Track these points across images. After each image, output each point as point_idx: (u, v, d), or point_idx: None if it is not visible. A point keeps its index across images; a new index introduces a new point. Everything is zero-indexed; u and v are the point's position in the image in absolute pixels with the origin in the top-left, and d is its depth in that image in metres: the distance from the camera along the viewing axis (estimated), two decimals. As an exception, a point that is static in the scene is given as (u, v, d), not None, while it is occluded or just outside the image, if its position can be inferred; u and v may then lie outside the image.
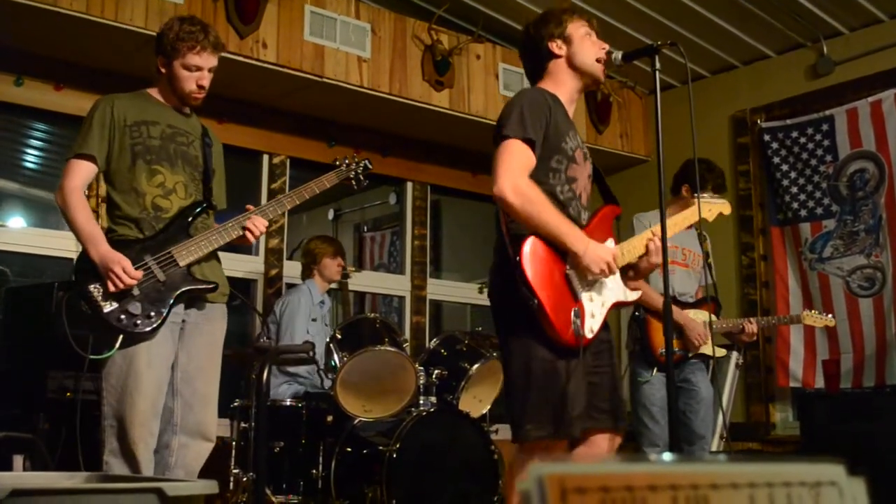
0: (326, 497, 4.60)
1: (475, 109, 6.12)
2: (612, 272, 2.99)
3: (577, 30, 3.18)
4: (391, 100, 5.83)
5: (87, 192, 3.49)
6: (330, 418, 4.79)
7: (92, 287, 3.08)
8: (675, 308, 4.61)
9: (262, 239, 5.97)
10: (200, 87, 3.33)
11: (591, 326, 2.96)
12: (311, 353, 3.93)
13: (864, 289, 5.88)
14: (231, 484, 4.50)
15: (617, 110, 6.99)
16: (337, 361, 4.65)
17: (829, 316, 5.00)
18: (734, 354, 5.52)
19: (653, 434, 4.59)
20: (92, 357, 3.14)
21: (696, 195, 4.47)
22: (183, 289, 3.21)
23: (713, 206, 3.63)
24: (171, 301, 3.17)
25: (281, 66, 5.33)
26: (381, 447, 4.56)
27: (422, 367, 4.81)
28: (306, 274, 5.56)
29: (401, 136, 6.56)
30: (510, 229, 2.95)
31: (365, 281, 6.65)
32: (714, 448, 4.98)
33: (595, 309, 3.00)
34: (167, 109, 3.39)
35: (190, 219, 3.29)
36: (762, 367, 6.31)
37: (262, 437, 3.41)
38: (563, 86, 3.20)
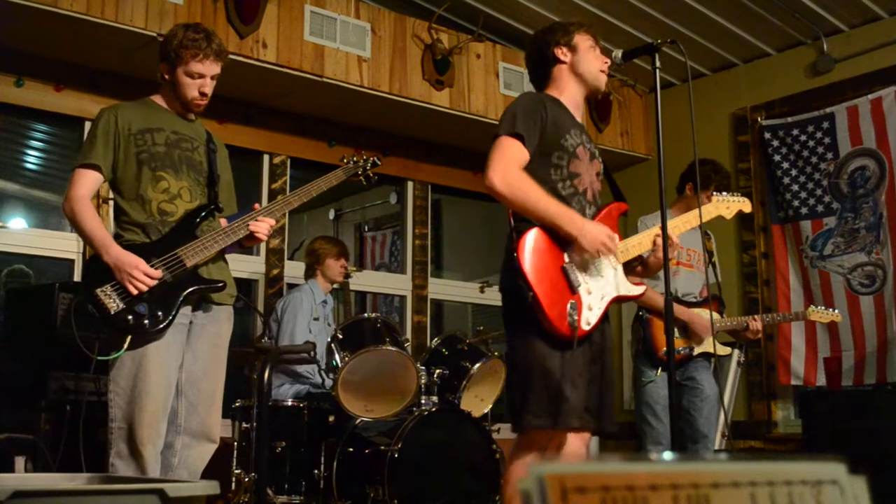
0: (328, 497, 4.61)
1: (475, 109, 6.12)
2: (610, 251, 3.03)
3: (584, 41, 3.28)
4: (391, 99, 5.83)
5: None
6: (331, 418, 4.79)
7: (99, 290, 3.09)
8: (678, 305, 4.62)
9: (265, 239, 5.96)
10: (203, 94, 3.35)
11: (588, 319, 2.99)
12: (312, 353, 3.93)
13: (864, 286, 5.88)
14: (233, 484, 4.50)
15: (617, 109, 6.99)
16: (338, 361, 4.65)
17: (835, 311, 5.00)
18: (736, 352, 5.52)
19: (657, 433, 4.60)
20: (100, 358, 3.15)
21: (698, 194, 4.51)
22: (190, 289, 3.22)
23: (732, 205, 3.64)
24: (179, 301, 3.18)
25: (281, 66, 5.33)
26: (382, 447, 4.56)
27: (423, 367, 4.81)
28: (309, 274, 5.56)
29: (401, 136, 6.56)
30: (515, 224, 3.01)
31: (366, 281, 6.65)
32: (716, 446, 4.98)
33: (593, 302, 3.02)
34: (171, 116, 3.41)
35: (196, 221, 3.31)
36: (764, 365, 6.30)
37: (264, 437, 3.40)
38: (565, 91, 3.26)
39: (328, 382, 4.90)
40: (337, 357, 4.68)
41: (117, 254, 3.10)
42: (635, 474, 0.80)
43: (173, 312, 3.16)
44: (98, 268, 3.12)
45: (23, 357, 4.48)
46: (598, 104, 6.82)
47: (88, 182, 3.25)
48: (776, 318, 5.19)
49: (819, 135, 6.15)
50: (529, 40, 3.43)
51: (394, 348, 4.65)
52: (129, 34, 4.80)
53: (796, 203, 6.22)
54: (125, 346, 3.09)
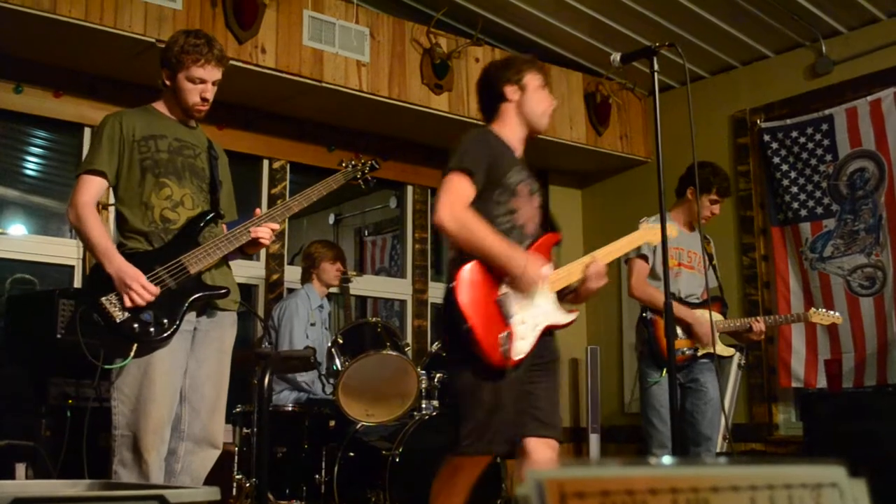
0: (329, 502, 4.60)
1: (475, 112, 6.10)
2: (540, 286, 3.15)
3: (533, 81, 3.39)
4: (390, 103, 5.83)
5: None
6: (332, 423, 4.79)
7: (104, 298, 3.09)
8: (680, 306, 4.62)
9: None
10: (204, 99, 3.36)
11: (521, 348, 3.10)
12: (312, 359, 3.94)
13: (864, 288, 5.88)
14: (234, 490, 4.50)
15: (616, 112, 7.00)
16: (339, 366, 4.65)
17: (836, 313, 5.00)
18: (736, 355, 5.52)
19: (662, 435, 4.59)
20: (106, 367, 3.14)
21: (698, 198, 4.52)
22: (195, 296, 3.22)
23: (657, 228, 3.69)
24: (184, 309, 3.19)
25: (280, 71, 5.33)
26: (383, 451, 4.56)
27: (423, 371, 4.81)
28: (305, 278, 5.56)
29: (400, 140, 6.57)
30: (455, 256, 3.16)
31: (366, 285, 6.65)
32: (718, 449, 4.98)
33: (526, 331, 3.14)
34: (173, 123, 3.41)
35: (198, 228, 3.31)
36: (765, 368, 6.30)
37: (265, 442, 3.40)
38: (510, 129, 3.38)
39: (328, 388, 4.89)
40: (337, 362, 4.68)
41: (119, 264, 3.10)
42: (634, 478, 0.80)
43: (178, 320, 3.16)
44: (101, 276, 3.12)
45: (23, 363, 4.48)
46: (597, 107, 6.83)
47: (93, 188, 3.25)
48: (778, 320, 5.19)
49: (818, 137, 6.15)
50: (483, 72, 3.54)
51: (394, 353, 4.65)
52: (127, 40, 4.80)
53: (796, 205, 6.22)
54: (132, 354, 3.08)
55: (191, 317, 3.24)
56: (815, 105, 6.20)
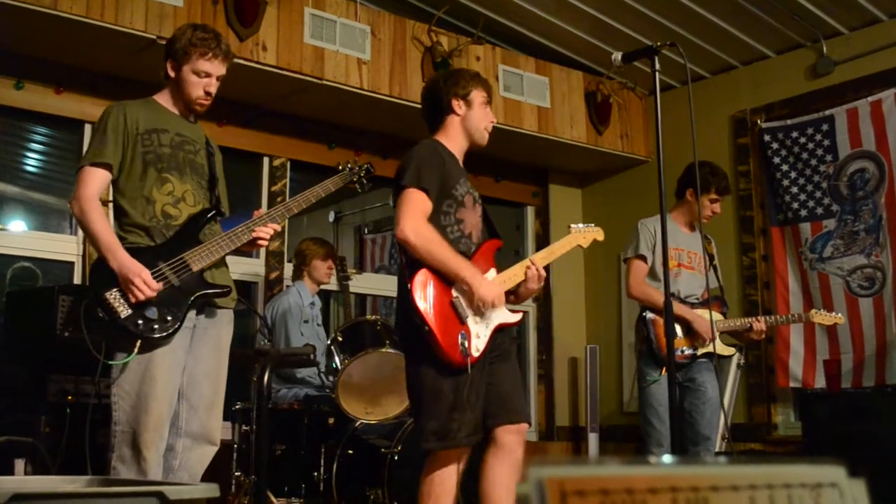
0: (328, 499, 4.60)
1: (475, 111, 6.11)
2: (497, 306, 3.35)
3: (478, 96, 3.56)
4: (391, 102, 5.83)
5: None
6: (331, 420, 4.79)
7: (108, 294, 3.08)
8: (680, 304, 4.63)
9: (263, 241, 5.96)
10: (207, 93, 3.36)
11: (477, 346, 3.29)
12: (312, 356, 3.94)
13: (864, 288, 5.88)
14: (233, 487, 4.50)
15: (617, 111, 7.00)
16: (338, 363, 4.65)
17: (838, 314, 5.01)
18: (736, 355, 5.52)
19: (659, 434, 4.59)
20: (111, 362, 3.14)
21: (698, 197, 4.53)
22: (198, 293, 3.22)
23: (587, 234, 3.90)
24: (187, 306, 3.19)
25: (281, 69, 5.33)
26: (382, 449, 4.57)
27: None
28: (296, 275, 5.56)
29: (401, 138, 6.54)
30: (407, 262, 3.32)
31: (366, 283, 6.64)
32: (716, 449, 4.98)
33: (481, 330, 3.33)
34: (175, 117, 3.40)
35: (199, 225, 3.31)
36: (764, 368, 6.30)
37: (264, 439, 3.41)
38: (454, 140, 3.56)
39: (328, 384, 4.89)
40: (337, 359, 4.68)
41: (122, 259, 3.09)
42: (634, 477, 0.80)
43: (182, 317, 3.16)
44: (105, 271, 3.11)
45: (22, 360, 4.48)
46: (598, 107, 6.83)
47: (98, 181, 3.23)
48: (779, 320, 5.19)
49: (819, 137, 6.15)
50: (430, 83, 3.71)
51: (393, 350, 4.64)
52: (128, 36, 4.80)
53: (796, 205, 6.22)
54: (135, 350, 3.08)
55: (191, 314, 3.24)
56: (815, 105, 6.20)
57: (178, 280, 3.17)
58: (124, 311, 3.07)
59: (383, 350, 4.65)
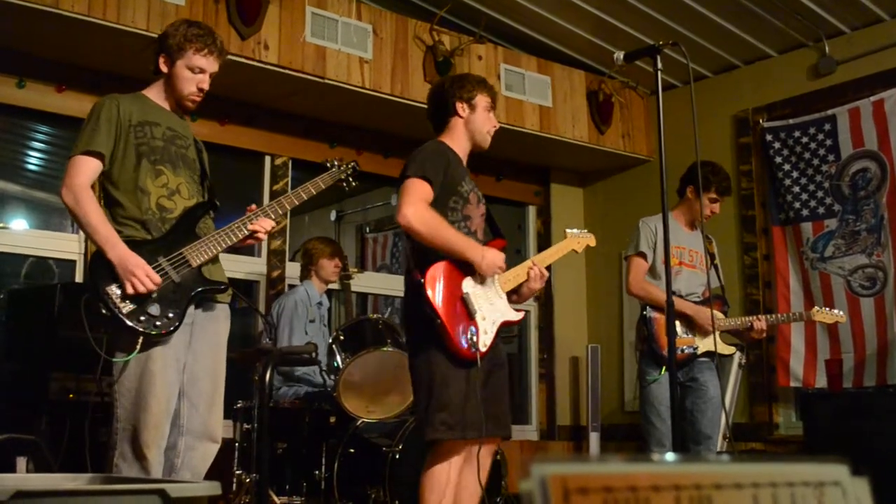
0: (329, 498, 4.61)
1: (477, 110, 6.11)
2: (502, 271, 3.51)
3: (482, 101, 3.66)
4: (393, 101, 5.83)
5: None
6: (332, 419, 4.79)
7: (109, 289, 3.05)
8: (680, 300, 4.63)
9: (265, 240, 5.97)
10: (200, 89, 3.34)
11: (485, 341, 3.40)
12: (314, 354, 3.93)
13: (865, 288, 5.88)
14: (234, 485, 4.50)
15: (619, 111, 6.99)
16: (339, 362, 4.65)
17: (839, 312, 5.00)
18: (737, 354, 5.52)
19: (660, 433, 4.59)
20: (114, 360, 3.12)
21: (700, 196, 4.53)
22: (197, 289, 3.21)
23: (581, 239, 4.06)
24: (187, 302, 3.17)
25: (282, 68, 5.33)
26: (383, 448, 4.57)
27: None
28: (304, 275, 5.56)
29: (402, 137, 6.54)
30: (415, 259, 3.42)
31: (367, 282, 6.65)
32: (718, 448, 4.98)
33: (488, 326, 3.45)
34: (166, 112, 3.38)
35: (195, 219, 3.29)
36: (765, 368, 6.30)
37: (265, 438, 3.40)
38: (457, 142, 3.66)
39: (329, 383, 4.90)
40: (338, 358, 4.68)
41: (122, 252, 3.06)
42: (637, 475, 0.80)
43: (183, 314, 3.15)
44: (104, 264, 3.08)
45: (24, 358, 4.48)
46: (599, 106, 6.83)
47: (90, 170, 3.18)
48: (780, 319, 5.19)
49: (821, 137, 6.15)
50: (436, 85, 3.85)
51: (395, 349, 4.65)
52: (130, 35, 4.80)
53: (797, 205, 6.22)
54: (137, 347, 3.05)
55: (189, 310, 3.22)
56: (817, 105, 6.20)
57: (178, 276, 3.15)
58: (126, 307, 3.05)
59: (384, 349, 4.65)
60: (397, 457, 4.46)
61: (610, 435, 6.88)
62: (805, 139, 6.22)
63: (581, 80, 6.84)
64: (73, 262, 5.28)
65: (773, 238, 6.34)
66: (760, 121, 6.49)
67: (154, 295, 3.09)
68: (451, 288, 3.37)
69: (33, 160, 6.16)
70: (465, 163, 3.67)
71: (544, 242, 7.36)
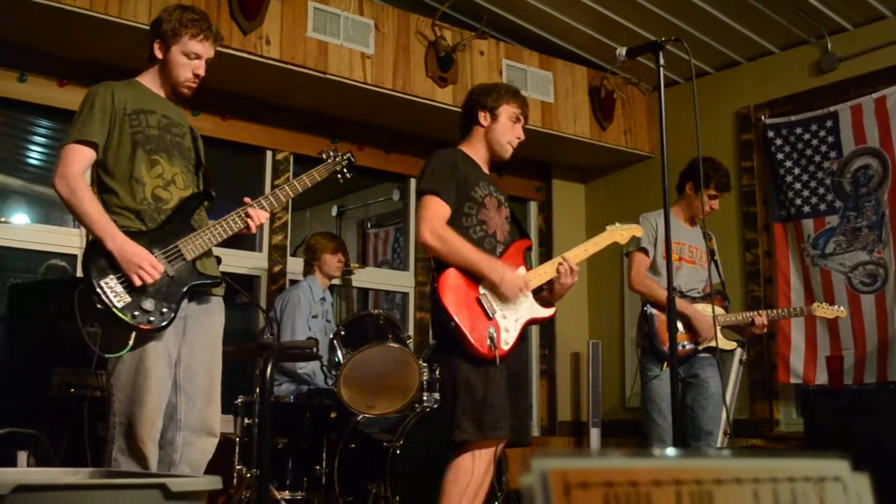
0: (330, 493, 4.61)
1: (478, 106, 6.11)
2: (521, 293, 3.51)
3: (507, 112, 3.67)
4: (394, 96, 5.83)
5: None
6: (333, 415, 4.80)
7: (103, 282, 3.03)
8: (681, 300, 4.62)
9: (266, 235, 5.97)
10: (196, 75, 3.30)
11: (507, 339, 3.45)
12: (314, 349, 3.93)
13: (866, 285, 5.87)
14: (235, 480, 4.51)
15: (621, 107, 6.99)
16: (340, 358, 4.65)
17: (840, 307, 5.01)
18: (738, 351, 5.52)
19: (661, 430, 4.60)
20: (107, 355, 3.11)
21: (701, 192, 4.53)
22: (191, 283, 3.18)
23: (624, 231, 4.04)
24: (181, 296, 3.15)
25: (284, 63, 5.33)
26: (384, 443, 4.57)
27: (425, 364, 4.81)
28: (307, 270, 5.56)
29: (404, 133, 6.56)
30: (435, 265, 3.49)
31: (368, 277, 6.65)
32: (718, 445, 4.98)
33: (509, 325, 3.48)
34: (161, 99, 3.34)
35: (191, 210, 3.26)
36: (765, 364, 6.30)
37: (266, 433, 3.41)
38: (475, 149, 3.71)
39: (330, 380, 4.90)
40: (339, 353, 4.68)
41: (122, 243, 3.03)
42: (638, 470, 0.80)
43: (177, 308, 3.12)
44: (99, 256, 3.04)
45: (26, 352, 4.48)
46: (601, 102, 6.83)
47: (83, 159, 3.14)
48: (781, 314, 5.20)
49: (822, 133, 6.14)
50: (468, 93, 3.87)
51: (396, 345, 4.64)
52: (132, 30, 4.79)
53: (798, 201, 6.21)
54: (131, 342, 3.03)
55: (183, 303, 3.18)
56: (819, 102, 6.19)
57: (172, 269, 3.13)
58: (120, 301, 3.02)
59: (386, 344, 4.64)
60: (398, 452, 4.46)
61: (611, 431, 6.88)
62: (807, 136, 6.21)
63: (583, 76, 6.84)
64: (74, 256, 5.27)
65: (775, 235, 6.33)
66: (762, 117, 6.48)
67: (149, 289, 3.06)
68: (467, 290, 3.42)
69: (34, 154, 6.16)
70: (486, 168, 3.72)
71: (546, 239, 7.36)
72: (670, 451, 0.83)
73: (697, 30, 6.24)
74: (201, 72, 3.31)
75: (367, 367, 4.63)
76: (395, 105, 5.96)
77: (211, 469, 3.25)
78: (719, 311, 4.79)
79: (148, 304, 3.06)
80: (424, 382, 4.74)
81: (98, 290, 3.03)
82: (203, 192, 3.35)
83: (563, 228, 7.36)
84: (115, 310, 3.02)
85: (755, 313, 4.86)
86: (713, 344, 4.67)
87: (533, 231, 7.48)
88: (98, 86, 3.26)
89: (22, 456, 3.94)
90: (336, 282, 5.68)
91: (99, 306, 3.03)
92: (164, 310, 3.09)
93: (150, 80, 3.35)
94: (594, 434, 6.76)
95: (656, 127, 6.52)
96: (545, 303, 3.70)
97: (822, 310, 4.95)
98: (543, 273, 3.66)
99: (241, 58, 5.15)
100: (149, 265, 3.03)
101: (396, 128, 6.45)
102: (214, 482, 2.13)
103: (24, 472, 3.17)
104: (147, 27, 4.71)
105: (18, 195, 5.89)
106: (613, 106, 6.91)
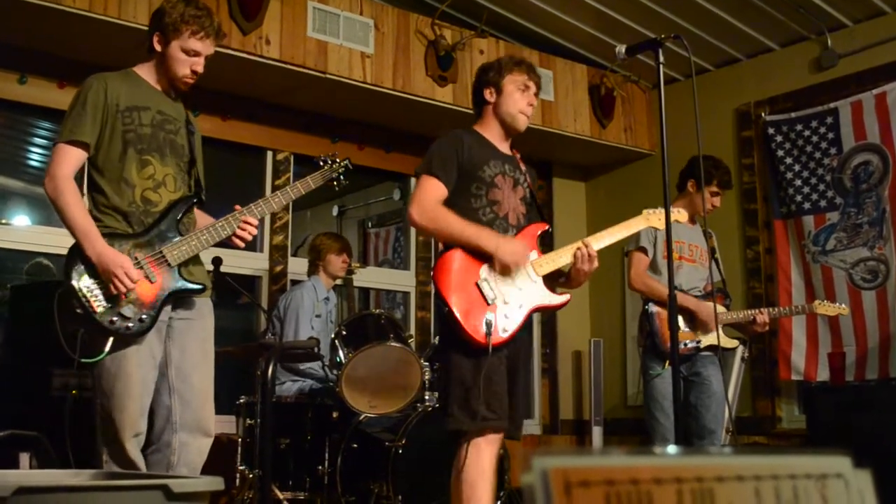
0: (332, 493, 4.61)
1: (478, 104, 6.11)
2: (522, 263, 3.33)
3: (512, 82, 3.52)
4: (394, 95, 5.83)
5: None
6: (335, 414, 4.79)
7: (83, 286, 3.01)
8: (683, 294, 4.62)
9: (267, 235, 5.97)
10: (194, 72, 3.25)
11: (505, 327, 3.26)
12: (316, 349, 3.93)
13: (867, 281, 5.87)
14: (237, 480, 4.51)
15: (621, 104, 6.98)
16: (342, 357, 4.65)
17: (842, 305, 5.00)
18: (740, 348, 5.52)
19: (664, 428, 4.59)
20: (84, 360, 3.08)
21: (702, 190, 4.52)
22: (173, 290, 3.15)
23: (661, 215, 3.79)
24: (162, 303, 3.11)
25: (284, 63, 5.33)
26: (386, 443, 4.57)
27: (427, 363, 4.81)
28: (311, 270, 5.55)
29: (404, 132, 6.56)
30: (440, 249, 3.39)
31: (369, 277, 6.65)
32: (721, 443, 4.98)
33: (510, 311, 3.29)
34: (157, 93, 3.29)
35: (179, 215, 3.22)
36: (767, 361, 6.30)
37: (268, 433, 3.41)
38: (489, 128, 3.57)
39: (332, 377, 4.90)
40: (341, 353, 4.68)
41: (101, 249, 3.00)
42: (639, 468, 0.80)
43: (157, 315, 3.09)
44: (80, 260, 3.02)
45: (26, 353, 4.48)
46: (601, 100, 6.82)
47: (74, 160, 3.11)
48: (783, 311, 5.19)
49: (823, 130, 6.14)
50: (475, 74, 3.74)
51: (397, 344, 4.64)
52: (132, 31, 4.79)
53: (799, 198, 6.21)
54: (107, 348, 3.00)
55: (166, 309, 3.16)
56: (819, 98, 6.19)
57: (155, 276, 3.10)
58: (100, 306, 3.00)
59: (387, 343, 4.64)
60: (400, 451, 4.46)
61: (613, 429, 6.88)
62: (807, 132, 6.21)
63: (583, 74, 6.83)
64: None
65: (775, 231, 6.33)
66: (762, 114, 6.48)
67: (130, 295, 3.03)
68: (466, 274, 3.26)
69: (35, 156, 6.15)
70: (505, 146, 3.58)
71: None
72: (671, 448, 0.83)
73: (697, 27, 6.23)
74: (200, 69, 3.25)
75: (369, 367, 4.63)
76: (395, 104, 5.96)
77: (213, 469, 3.24)
78: (721, 309, 4.79)
79: (127, 310, 3.03)
80: (426, 382, 4.73)
81: (78, 294, 3.00)
82: (193, 196, 3.30)
83: (564, 227, 7.35)
84: (93, 314, 3.00)
85: (757, 311, 4.86)
86: (715, 342, 4.67)
87: (534, 229, 7.47)
88: (92, 78, 3.22)
89: (24, 458, 3.94)
90: (337, 281, 5.68)
91: (78, 310, 3.01)
92: (143, 316, 3.06)
93: (147, 73, 3.30)
94: (596, 432, 6.77)
95: (656, 124, 6.51)
96: (560, 289, 3.51)
97: (824, 308, 4.94)
98: (558, 258, 3.45)
99: (241, 58, 5.15)
100: (122, 273, 2.98)
101: (396, 127, 6.45)
102: (216, 483, 2.13)
103: (25, 473, 3.17)
104: (146, 28, 4.73)
105: (19, 197, 5.89)
106: (613, 104, 6.91)
